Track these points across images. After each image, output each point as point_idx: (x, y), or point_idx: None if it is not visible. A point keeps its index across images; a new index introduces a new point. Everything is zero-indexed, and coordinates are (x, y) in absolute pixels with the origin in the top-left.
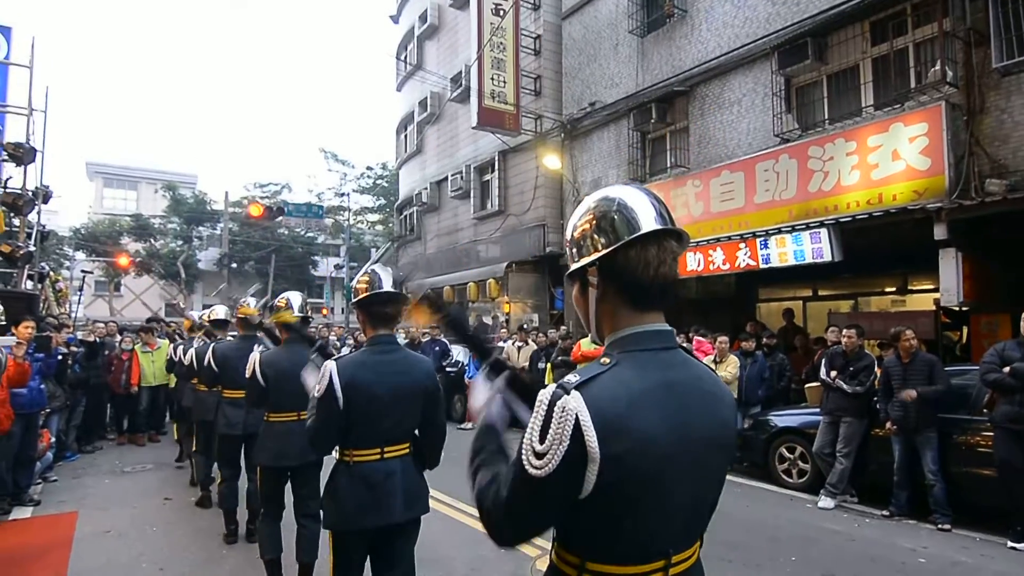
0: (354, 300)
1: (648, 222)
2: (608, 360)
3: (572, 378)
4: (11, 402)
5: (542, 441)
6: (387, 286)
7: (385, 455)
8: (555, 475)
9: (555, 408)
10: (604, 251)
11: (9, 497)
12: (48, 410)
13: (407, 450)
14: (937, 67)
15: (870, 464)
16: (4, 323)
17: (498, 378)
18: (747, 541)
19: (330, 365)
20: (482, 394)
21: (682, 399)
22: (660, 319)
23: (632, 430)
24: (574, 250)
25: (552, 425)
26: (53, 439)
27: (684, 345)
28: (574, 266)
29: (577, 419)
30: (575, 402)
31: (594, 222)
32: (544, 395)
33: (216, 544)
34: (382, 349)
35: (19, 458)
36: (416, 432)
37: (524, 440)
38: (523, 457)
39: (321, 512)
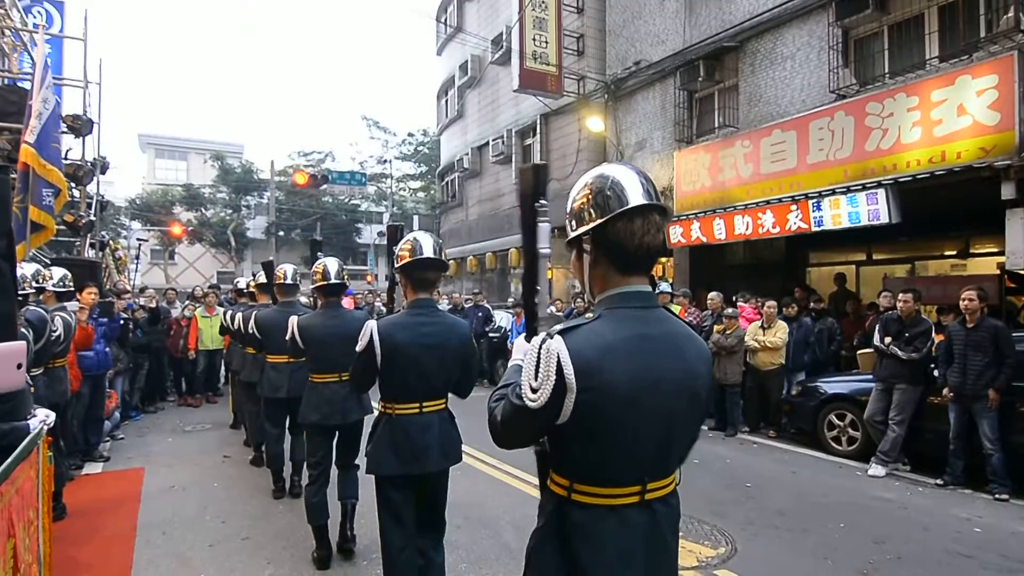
0: (397, 265)
1: (635, 197)
2: (591, 315)
3: (557, 327)
4: (78, 364)
5: (535, 377)
6: (428, 252)
7: (424, 410)
8: (545, 406)
9: (543, 349)
10: (597, 222)
11: (81, 453)
12: (113, 372)
13: (443, 405)
14: (1010, 14)
15: (924, 433)
16: (72, 289)
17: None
18: (795, 508)
19: (372, 324)
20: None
21: (653, 350)
22: (643, 282)
23: (602, 372)
24: (572, 221)
25: (541, 364)
26: (119, 399)
27: (669, 307)
28: (572, 235)
29: (558, 357)
30: (556, 344)
31: (590, 196)
32: (535, 341)
33: (273, 500)
34: (421, 312)
35: (89, 417)
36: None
37: (522, 379)
38: (522, 393)
39: (365, 460)
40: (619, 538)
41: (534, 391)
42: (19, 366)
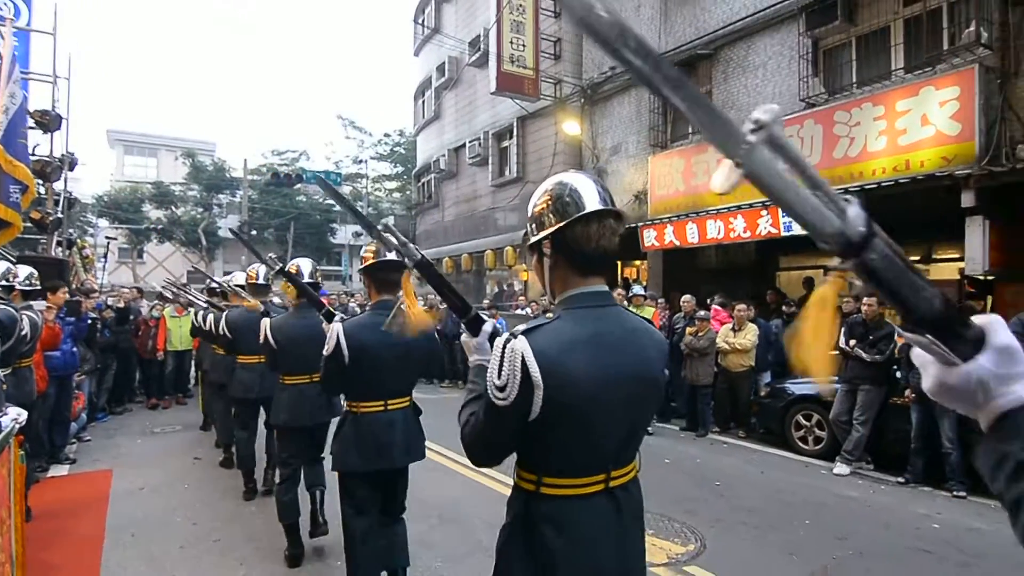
0: (361, 267)
1: (592, 203)
2: (552, 315)
3: (520, 327)
4: (45, 364)
5: (499, 376)
6: (391, 254)
7: (388, 407)
8: (514, 403)
9: (506, 350)
10: (556, 226)
11: (46, 456)
12: (81, 372)
13: (407, 402)
14: (971, 28)
15: (887, 432)
16: (39, 288)
17: (484, 327)
18: (762, 506)
19: (337, 327)
20: (472, 343)
21: (611, 345)
22: (600, 282)
23: (563, 369)
24: (533, 225)
25: (505, 364)
26: (86, 400)
27: (628, 310)
28: (532, 239)
29: (523, 356)
30: (520, 344)
31: (549, 203)
32: (498, 342)
33: (244, 501)
34: (386, 312)
35: (55, 418)
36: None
37: (487, 380)
38: (489, 393)
39: (331, 457)
40: (586, 524)
41: (500, 389)
42: None
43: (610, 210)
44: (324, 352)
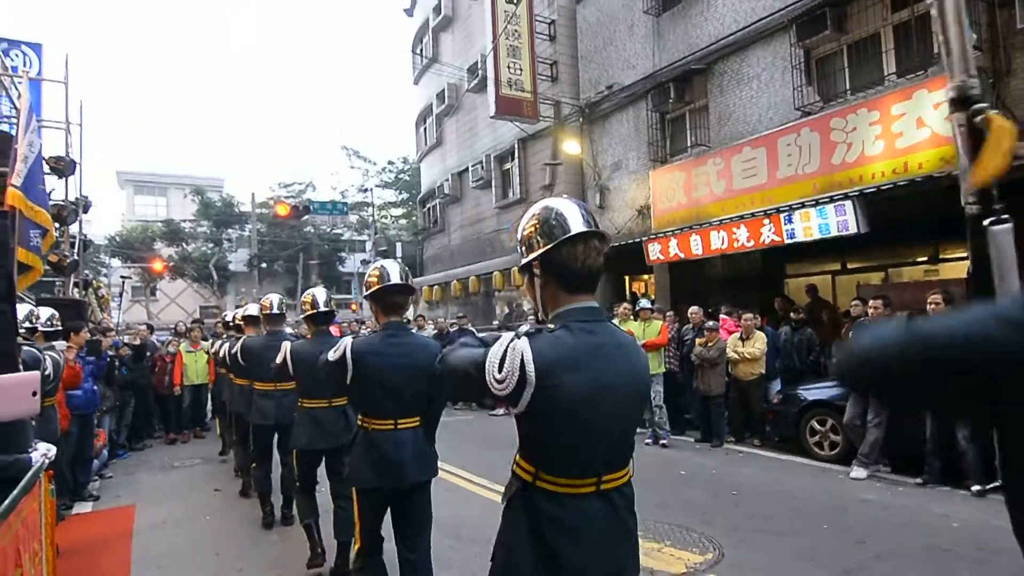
0: (366, 292)
1: (577, 226)
2: (552, 327)
3: (524, 329)
4: (67, 403)
5: (500, 370)
6: (395, 278)
7: (399, 426)
8: (509, 395)
9: (510, 347)
10: (544, 249)
11: (70, 494)
12: (101, 410)
13: (418, 422)
14: None
15: (902, 434)
16: (60, 328)
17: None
18: (779, 512)
19: (347, 340)
20: None
21: (606, 358)
22: (589, 299)
23: (558, 374)
24: (523, 248)
25: (507, 359)
26: (107, 438)
27: (613, 322)
28: (523, 261)
29: (523, 355)
30: (523, 344)
31: (537, 226)
32: (505, 338)
33: (265, 531)
34: (392, 334)
35: (77, 456)
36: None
37: (486, 365)
38: (487, 379)
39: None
40: (582, 523)
41: (499, 382)
42: (34, 394)
43: (594, 232)
44: (329, 357)
